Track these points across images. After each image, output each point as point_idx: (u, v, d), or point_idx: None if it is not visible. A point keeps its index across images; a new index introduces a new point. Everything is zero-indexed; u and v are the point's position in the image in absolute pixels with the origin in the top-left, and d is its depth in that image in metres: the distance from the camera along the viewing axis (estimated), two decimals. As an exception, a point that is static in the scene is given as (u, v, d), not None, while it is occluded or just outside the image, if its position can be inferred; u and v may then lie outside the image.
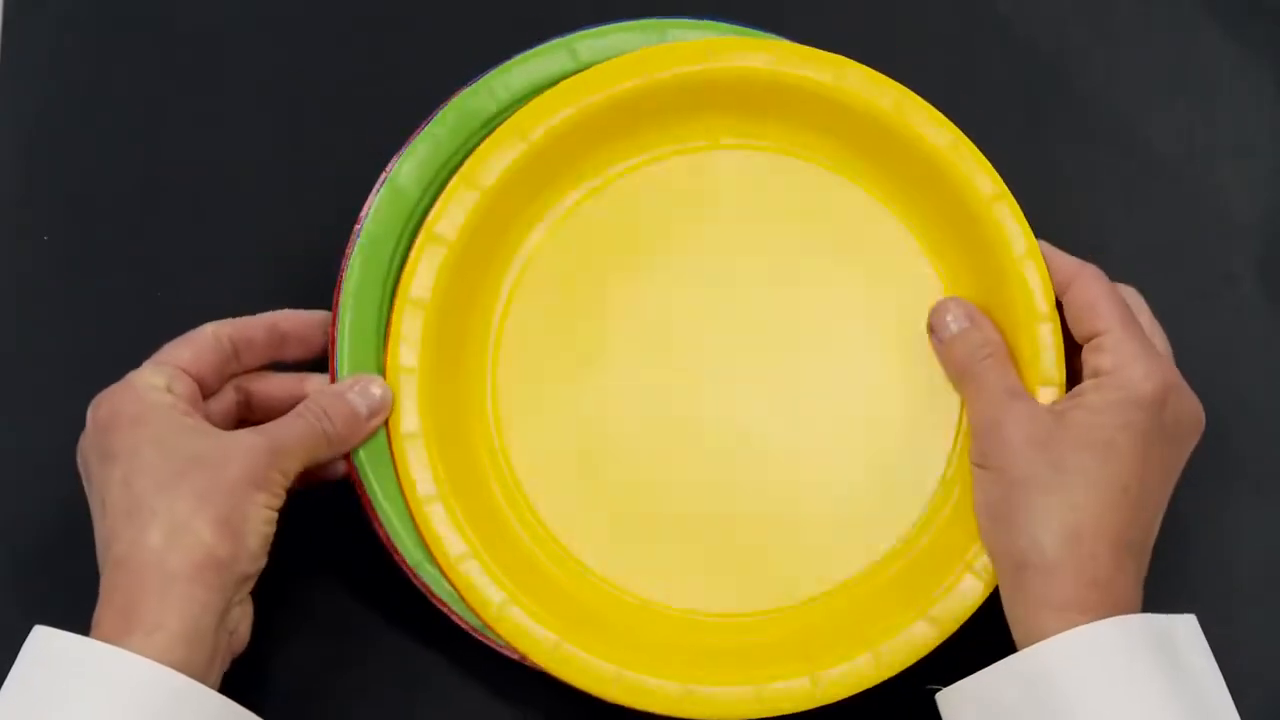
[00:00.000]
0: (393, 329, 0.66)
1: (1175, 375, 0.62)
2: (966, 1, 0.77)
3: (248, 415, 0.67)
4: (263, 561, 0.61)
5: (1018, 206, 0.65)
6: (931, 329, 0.66)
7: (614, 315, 0.68)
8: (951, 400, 0.66)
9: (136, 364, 0.66)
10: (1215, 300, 0.73)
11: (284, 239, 0.73)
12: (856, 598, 0.66)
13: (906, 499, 0.66)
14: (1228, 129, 0.76)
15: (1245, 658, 0.61)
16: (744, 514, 0.67)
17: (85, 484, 0.63)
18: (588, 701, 0.65)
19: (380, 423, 0.65)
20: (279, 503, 0.62)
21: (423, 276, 0.66)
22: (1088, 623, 0.58)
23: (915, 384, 0.67)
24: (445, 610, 0.65)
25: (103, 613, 0.59)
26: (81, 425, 0.69)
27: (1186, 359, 0.66)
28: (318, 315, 0.67)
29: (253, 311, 0.67)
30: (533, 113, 0.67)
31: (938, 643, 0.63)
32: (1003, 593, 0.61)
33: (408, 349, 0.66)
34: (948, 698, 0.62)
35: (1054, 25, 0.78)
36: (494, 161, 0.66)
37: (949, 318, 0.66)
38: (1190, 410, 0.62)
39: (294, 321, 0.67)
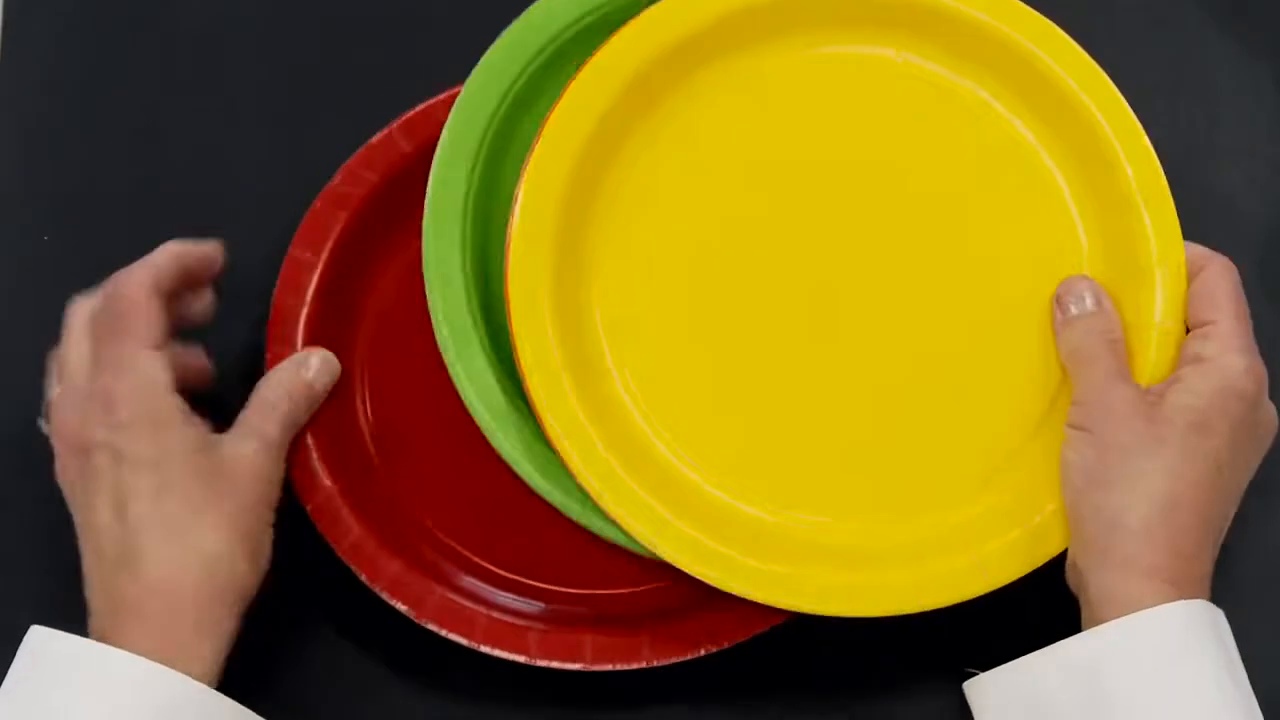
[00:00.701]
0: (510, 259, 0.64)
1: (1265, 375, 0.63)
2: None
3: None
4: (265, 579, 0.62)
5: (1170, 207, 0.66)
6: (1057, 301, 0.66)
7: (739, 224, 0.67)
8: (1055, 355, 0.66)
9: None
10: (1214, 300, 0.73)
11: (284, 238, 0.73)
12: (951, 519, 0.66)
13: (1000, 437, 0.66)
14: (1228, 129, 0.77)
15: (1244, 658, 0.61)
16: (854, 429, 0.66)
17: (84, 475, 0.62)
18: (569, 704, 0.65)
19: (326, 390, 0.67)
20: (276, 515, 0.63)
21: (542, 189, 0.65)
22: (1156, 592, 0.59)
23: (1033, 332, 0.67)
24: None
25: (128, 630, 0.58)
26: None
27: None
28: (212, 251, 0.67)
29: (252, 311, 0.67)
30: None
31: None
32: (1081, 555, 0.62)
33: (534, 267, 0.64)
34: (980, 686, 0.62)
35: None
36: (622, 53, 0.65)
37: (1077, 296, 0.66)
38: (1273, 416, 0.64)
39: (191, 254, 0.66)
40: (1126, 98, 0.76)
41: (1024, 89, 0.68)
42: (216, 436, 0.62)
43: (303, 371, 0.66)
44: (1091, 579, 0.61)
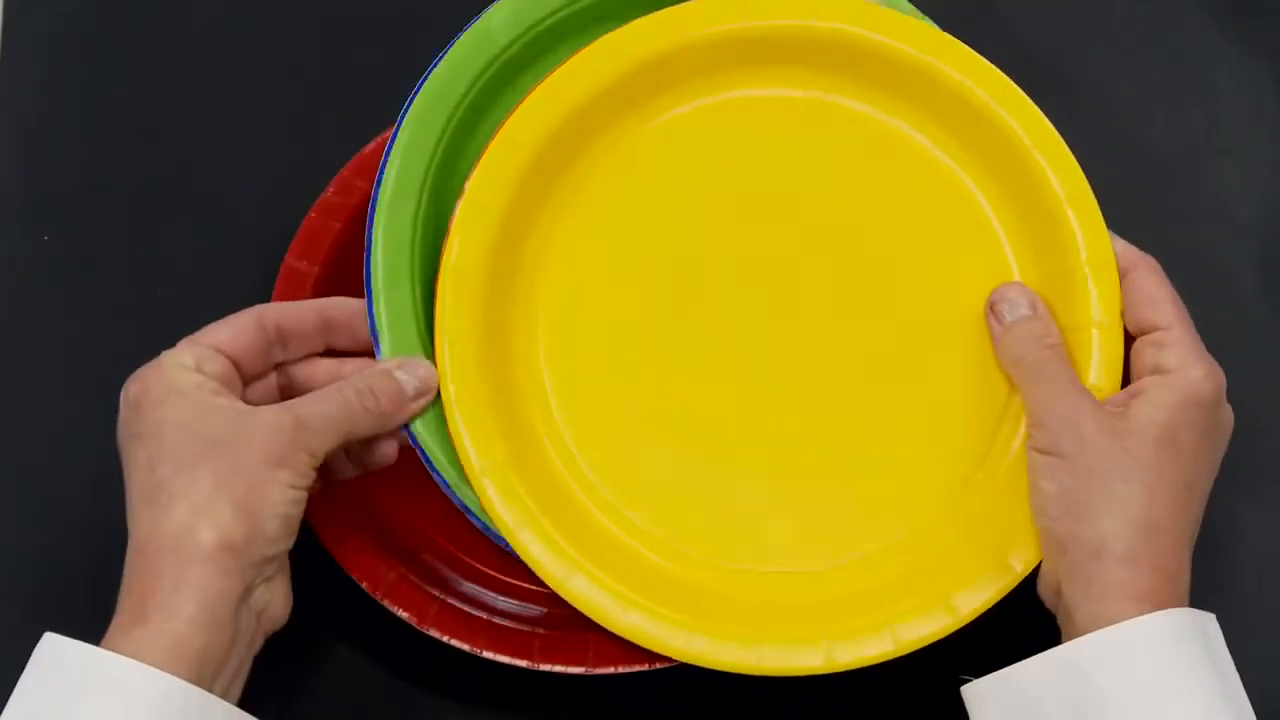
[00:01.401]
0: (439, 297, 0.64)
1: (1223, 378, 0.63)
2: (970, 5, 0.78)
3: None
4: (285, 543, 0.60)
5: (1095, 209, 0.65)
6: (991, 310, 0.66)
7: (669, 267, 0.67)
8: (1000, 376, 0.66)
9: (137, 364, 0.66)
10: (1214, 299, 0.73)
11: (285, 238, 0.73)
12: (907, 557, 0.65)
13: (952, 466, 0.66)
14: (1228, 129, 0.77)
15: (1240, 659, 0.61)
16: (799, 471, 0.66)
17: (123, 463, 0.62)
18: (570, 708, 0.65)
19: (425, 405, 0.64)
20: (305, 482, 0.61)
21: (462, 250, 0.65)
22: (1136, 609, 0.58)
23: (969, 355, 0.66)
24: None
25: (122, 599, 0.58)
26: (81, 424, 0.70)
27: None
28: (362, 307, 0.65)
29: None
30: (611, 44, 0.66)
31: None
32: (1065, 582, 0.61)
33: (455, 313, 0.65)
34: (977, 691, 0.62)
35: (1054, 25, 0.78)
36: (531, 123, 0.66)
37: (1011, 303, 0.65)
38: (1230, 417, 0.64)
39: (342, 309, 0.65)
40: (1127, 97, 0.76)
41: (930, 107, 0.67)
42: (252, 408, 0.61)
43: (396, 374, 0.64)
44: (1079, 606, 0.60)
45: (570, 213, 0.67)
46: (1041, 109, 0.75)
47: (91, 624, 0.59)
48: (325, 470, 0.63)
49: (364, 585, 0.65)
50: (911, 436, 0.66)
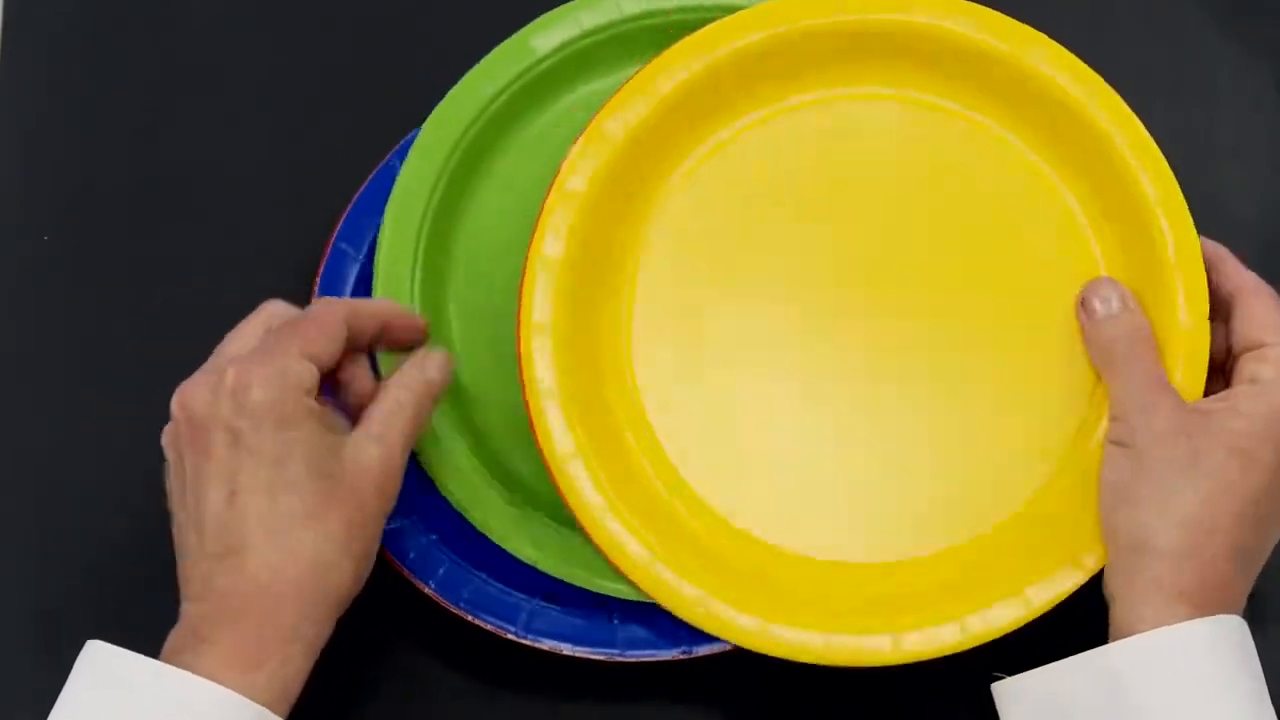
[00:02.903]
0: (525, 289, 0.65)
1: None
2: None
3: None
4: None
5: (1185, 211, 0.65)
6: (1082, 304, 0.66)
7: (753, 268, 0.67)
8: (1084, 374, 0.66)
9: (136, 363, 0.66)
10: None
11: (285, 238, 0.73)
12: (987, 551, 0.66)
13: (1031, 464, 0.66)
14: (1228, 129, 0.76)
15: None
16: (879, 464, 0.66)
17: (195, 452, 0.59)
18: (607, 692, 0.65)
19: (443, 389, 0.64)
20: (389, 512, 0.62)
21: (553, 240, 0.65)
22: (1175, 612, 0.58)
23: (1052, 353, 0.66)
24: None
25: (224, 627, 0.57)
26: (81, 424, 0.70)
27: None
28: (420, 320, 0.66)
29: (252, 311, 0.66)
30: (666, 61, 0.66)
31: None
32: (1110, 572, 0.61)
33: (542, 305, 0.65)
34: (1008, 690, 0.62)
35: (1054, 25, 0.78)
36: (622, 117, 0.66)
37: (1103, 298, 0.65)
38: None
39: (399, 318, 0.65)
40: (1126, 98, 0.76)
41: (1019, 104, 0.68)
42: (342, 439, 0.60)
43: (427, 371, 0.64)
44: (1118, 597, 0.60)
45: (659, 207, 0.67)
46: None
47: (92, 624, 0.60)
48: None
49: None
50: (995, 434, 0.66)
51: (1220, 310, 0.64)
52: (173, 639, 0.58)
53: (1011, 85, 0.67)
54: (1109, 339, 0.64)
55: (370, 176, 0.70)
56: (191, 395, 0.59)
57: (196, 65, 0.76)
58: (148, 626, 0.59)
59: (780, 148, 0.68)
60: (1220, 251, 0.65)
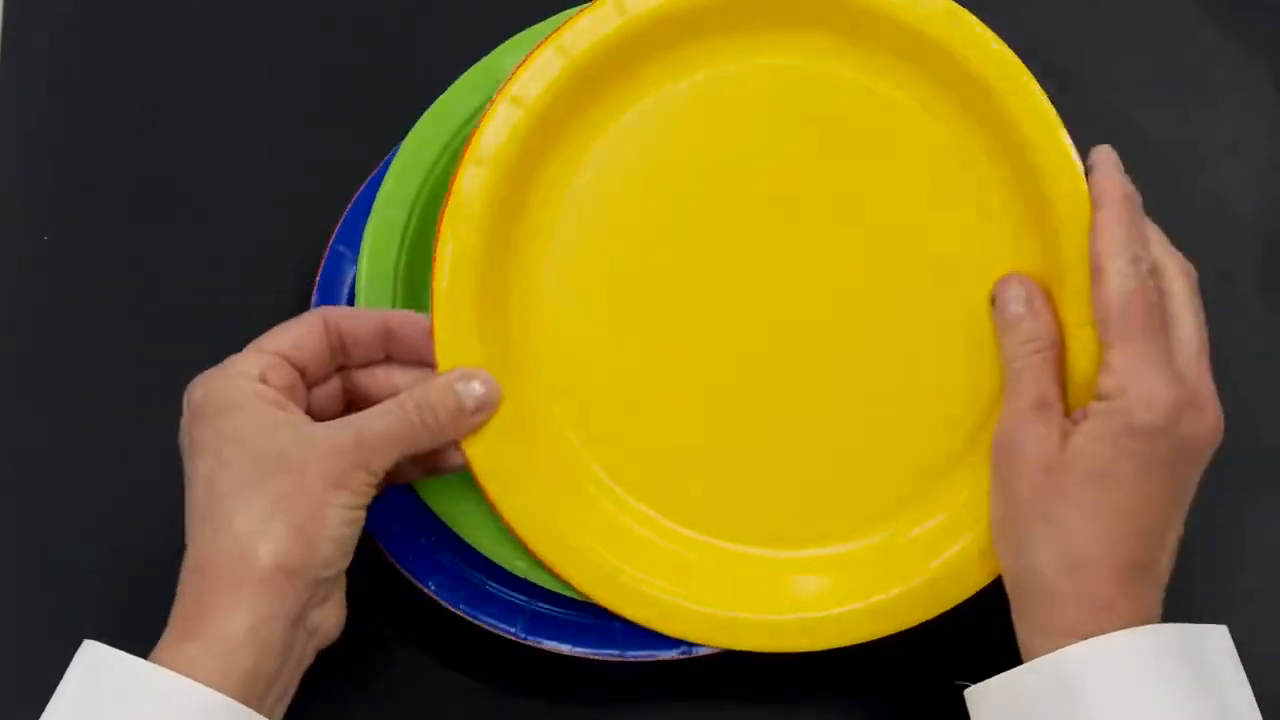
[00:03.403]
0: (437, 253, 0.63)
1: (1186, 391, 0.60)
2: (966, 1, 0.77)
3: (353, 409, 0.63)
4: (342, 564, 0.60)
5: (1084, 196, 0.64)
6: (992, 302, 0.65)
7: (664, 242, 0.66)
8: (991, 364, 0.65)
9: (136, 363, 0.67)
10: (1214, 300, 0.73)
11: (285, 238, 0.73)
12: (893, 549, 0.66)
13: (934, 452, 0.66)
14: (1228, 129, 0.77)
15: (1243, 659, 0.61)
16: (784, 452, 0.66)
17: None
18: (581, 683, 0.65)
19: (485, 419, 0.63)
20: (364, 500, 0.60)
21: (470, 194, 0.64)
22: (1061, 641, 0.58)
23: (959, 340, 0.66)
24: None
25: (174, 613, 0.58)
26: (81, 425, 0.70)
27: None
28: (429, 322, 0.64)
29: (252, 311, 0.67)
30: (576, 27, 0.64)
31: None
32: (1011, 606, 0.61)
33: (453, 275, 0.64)
34: (977, 695, 0.62)
35: (1053, 23, 0.78)
36: (532, 80, 0.64)
37: (1010, 295, 0.64)
38: (1205, 425, 0.61)
39: (405, 322, 0.64)
40: (1127, 97, 0.76)
41: (936, 77, 0.66)
42: (311, 423, 0.60)
43: (459, 387, 0.62)
44: (1016, 630, 0.60)
45: (570, 178, 0.66)
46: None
47: (90, 625, 0.60)
48: (390, 475, 0.62)
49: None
50: (904, 420, 0.66)
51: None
52: None
53: (930, 59, 0.66)
54: (1005, 346, 0.63)
55: (367, 180, 0.70)
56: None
57: (196, 65, 0.76)
58: (148, 626, 0.59)
59: (690, 120, 0.66)
60: (1099, 157, 0.64)
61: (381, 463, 0.60)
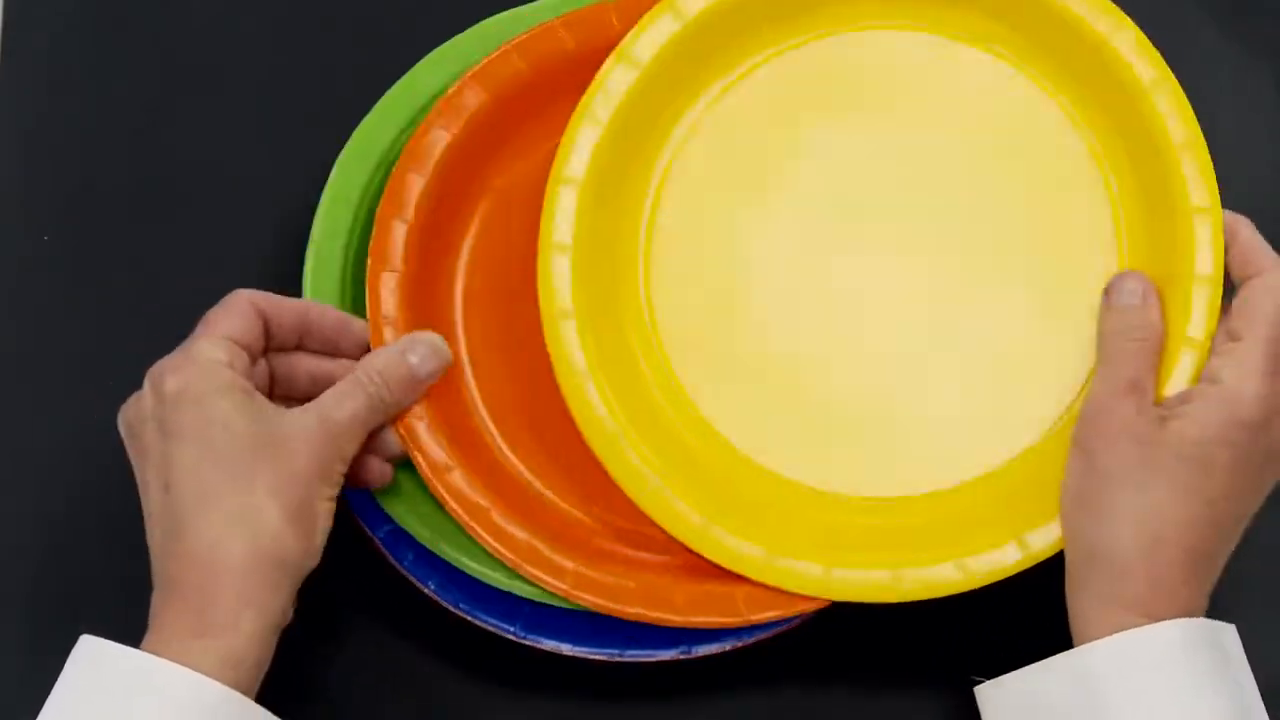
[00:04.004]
0: (545, 209, 0.66)
1: None
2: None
3: (270, 392, 0.64)
4: (319, 556, 0.60)
5: (1206, 152, 0.65)
6: (1105, 292, 0.65)
7: (767, 203, 0.68)
8: (1090, 352, 0.66)
9: (136, 363, 0.66)
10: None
11: (284, 238, 0.73)
12: (989, 493, 0.66)
13: (1028, 422, 0.66)
14: (1228, 129, 0.76)
15: (1250, 660, 0.61)
16: (883, 400, 0.67)
17: (136, 455, 0.61)
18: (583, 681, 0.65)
19: (433, 378, 0.64)
20: (338, 491, 0.61)
21: (577, 157, 0.66)
22: (1143, 625, 0.58)
23: (1067, 321, 0.67)
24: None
25: (169, 606, 0.58)
26: (81, 423, 0.70)
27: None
28: (346, 319, 0.65)
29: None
30: None
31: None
32: (1068, 578, 0.61)
33: (562, 225, 0.66)
34: (988, 693, 0.62)
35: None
36: (649, 39, 0.66)
37: (1123, 289, 0.65)
38: None
39: (323, 315, 0.65)
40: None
41: (1042, 41, 0.67)
42: (279, 409, 0.61)
43: (407, 356, 0.63)
44: (1071, 601, 0.60)
45: (683, 142, 0.68)
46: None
47: (90, 623, 0.60)
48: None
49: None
50: (997, 387, 0.67)
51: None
52: None
53: (1069, 49, 0.67)
54: (1108, 330, 0.64)
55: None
56: (124, 410, 0.61)
57: (196, 65, 0.76)
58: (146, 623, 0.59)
59: (809, 78, 0.68)
60: (1237, 225, 0.65)
61: (352, 448, 0.61)
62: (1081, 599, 0.60)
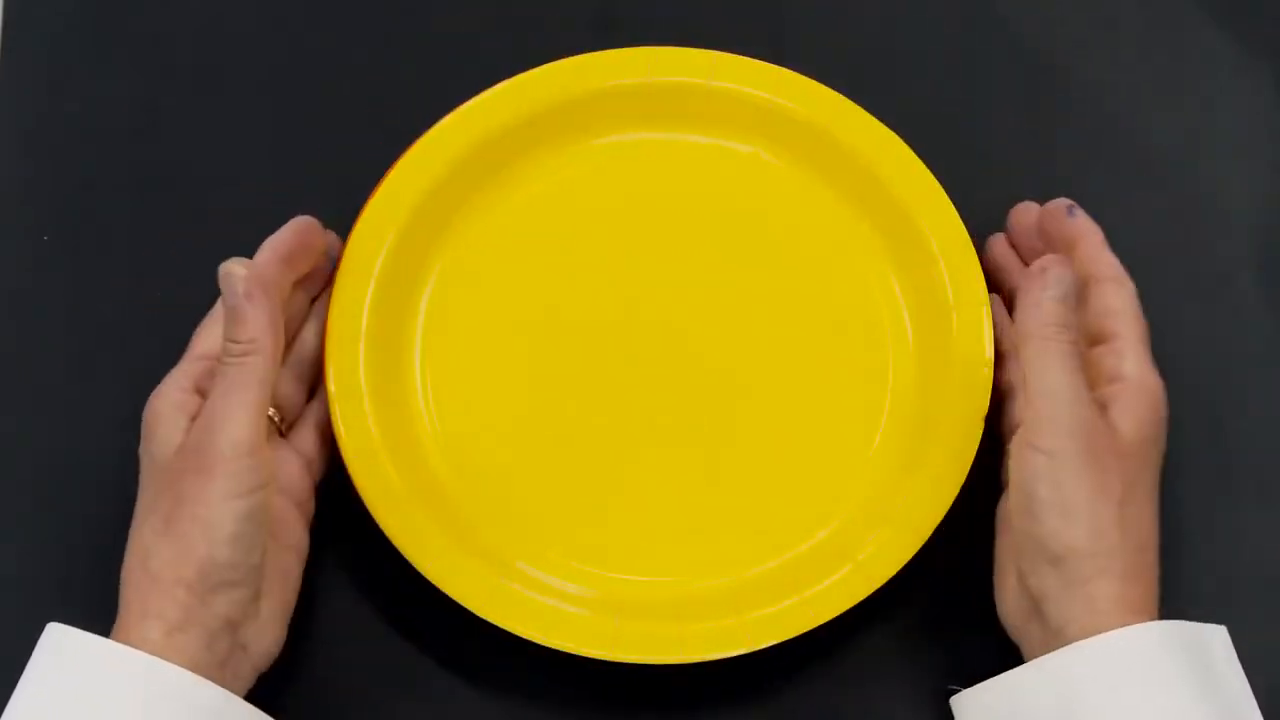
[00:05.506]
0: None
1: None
2: (966, 1, 0.78)
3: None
4: (246, 559, 0.60)
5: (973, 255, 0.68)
6: (1040, 273, 0.61)
7: (549, 307, 0.70)
8: (877, 396, 0.68)
9: (136, 363, 0.66)
10: (1213, 300, 0.73)
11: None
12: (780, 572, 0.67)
13: (835, 490, 0.68)
14: (1228, 129, 0.76)
15: (1244, 661, 0.61)
16: (675, 498, 0.68)
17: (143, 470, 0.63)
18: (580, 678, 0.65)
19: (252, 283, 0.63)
20: (251, 481, 0.59)
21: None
22: (1133, 621, 0.58)
23: (845, 378, 0.69)
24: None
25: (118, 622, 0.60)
26: (81, 423, 0.70)
27: (1184, 359, 0.67)
28: (321, 239, 0.68)
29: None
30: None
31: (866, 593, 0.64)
32: (1059, 594, 0.59)
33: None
34: (964, 702, 0.62)
35: (1054, 25, 0.78)
36: (432, 160, 0.69)
37: (1056, 278, 0.61)
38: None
39: (289, 237, 0.67)
40: (1127, 97, 0.76)
41: (825, 164, 0.71)
42: (198, 429, 0.61)
43: (227, 300, 0.63)
44: (1074, 620, 0.59)
45: (454, 254, 0.70)
46: (1041, 109, 0.76)
47: (91, 621, 0.60)
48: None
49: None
50: (791, 456, 0.68)
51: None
52: None
53: (814, 143, 0.70)
54: (1044, 325, 0.61)
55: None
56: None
57: (196, 65, 0.76)
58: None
59: (580, 187, 0.71)
60: (1086, 228, 0.66)
61: (240, 429, 0.60)
62: (1068, 603, 0.59)
